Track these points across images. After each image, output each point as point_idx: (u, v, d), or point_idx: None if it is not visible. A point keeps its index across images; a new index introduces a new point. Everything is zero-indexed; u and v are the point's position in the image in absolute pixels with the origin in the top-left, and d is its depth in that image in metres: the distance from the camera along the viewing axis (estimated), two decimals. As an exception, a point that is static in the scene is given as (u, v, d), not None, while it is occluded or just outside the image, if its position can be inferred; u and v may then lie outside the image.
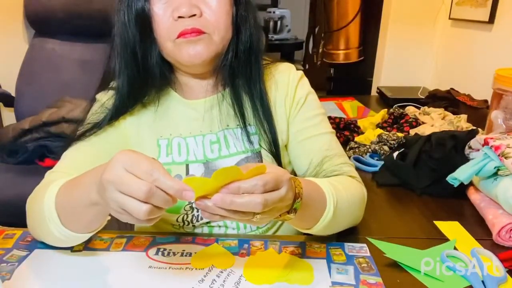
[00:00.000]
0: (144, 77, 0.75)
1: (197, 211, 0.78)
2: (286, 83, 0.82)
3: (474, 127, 1.24)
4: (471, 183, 0.92)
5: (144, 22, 0.71)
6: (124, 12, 0.72)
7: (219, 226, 0.80)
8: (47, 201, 0.62)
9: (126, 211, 0.49)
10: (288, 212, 0.59)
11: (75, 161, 0.75)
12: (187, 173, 0.78)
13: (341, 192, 0.69)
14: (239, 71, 0.77)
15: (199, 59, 0.71)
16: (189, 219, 0.78)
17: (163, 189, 0.49)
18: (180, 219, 0.78)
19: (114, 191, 0.49)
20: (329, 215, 0.66)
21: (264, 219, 0.55)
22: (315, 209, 0.66)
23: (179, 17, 0.69)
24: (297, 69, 0.85)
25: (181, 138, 0.80)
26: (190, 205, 0.77)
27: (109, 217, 0.62)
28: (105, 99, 0.79)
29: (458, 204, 0.92)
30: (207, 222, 0.79)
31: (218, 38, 0.72)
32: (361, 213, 0.78)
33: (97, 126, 0.76)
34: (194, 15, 0.69)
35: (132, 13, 0.71)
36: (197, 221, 0.79)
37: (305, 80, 0.84)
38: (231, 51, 0.74)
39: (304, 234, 0.74)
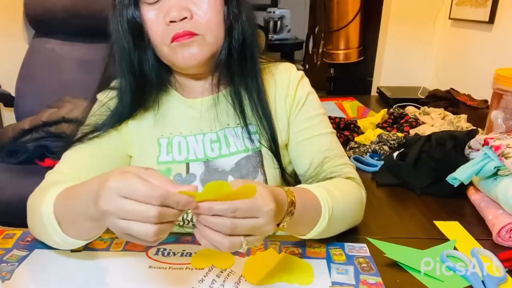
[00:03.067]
0: (143, 82, 0.75)
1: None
2: (287, 83, 0.82)
3: (474, 127, 1.24)
4: (471, 183, 0.92)
5: (136, 29, 0.71)
6: (116, 21, 0.72)
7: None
8: (45, 210, 0.61)
9: (132, 235, 0.49)
10: (278, 225, 0.59)
11: (75, 161, 0.75)
12: (188, 171, 0.78)
13: (338, 198, 0.69)
14: (236, 68, 0.76)
15: (194, 61, 0.71)
16: (188, 218, 0.78)
17: (171, 206, 0.48)
18: (180, 219, 0.79)
19: (118, 220, 0.48)
20: (324, 223, 0.67)
21: (249, 244, 0.54)
22: (309, 218, 0.66)
23: (171, 21, 0.69)
24: (297, 69, 0.85)
25: (181, 137, 0.80)
26: None
27: None
28: (106, 99, 0.79)
29: (458, 204, 0.92)
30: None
31: (212, 38, 0.72)
32: (359, 216, 0.78)
33: (99, 129, 0.76)
34: (185, 17, 0.69)
35: (124, 21, 0.71)
36: (197, 220, 0.79)
37: (306, 80, 0.84)
38: (224, 49, 0.74)
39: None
